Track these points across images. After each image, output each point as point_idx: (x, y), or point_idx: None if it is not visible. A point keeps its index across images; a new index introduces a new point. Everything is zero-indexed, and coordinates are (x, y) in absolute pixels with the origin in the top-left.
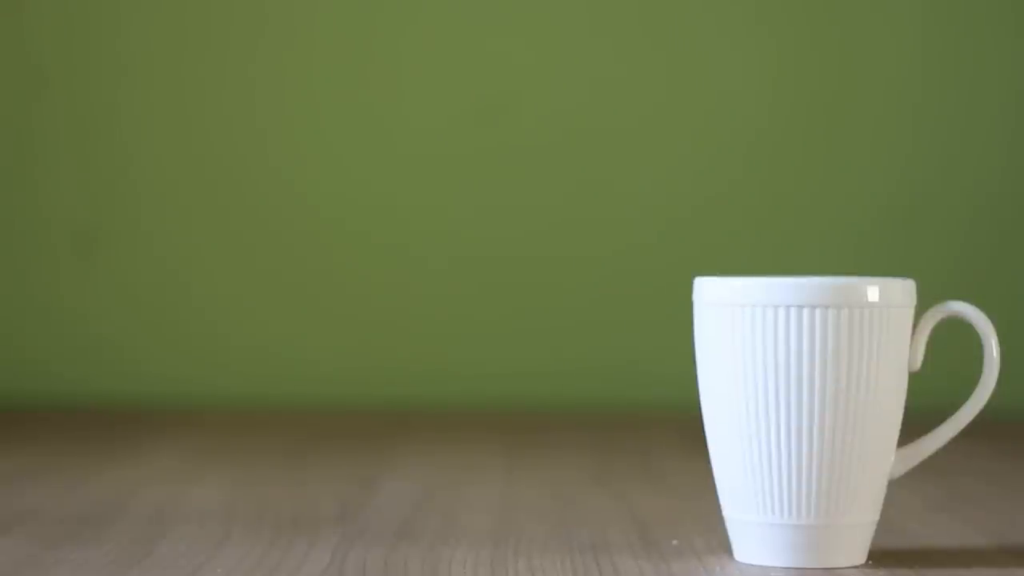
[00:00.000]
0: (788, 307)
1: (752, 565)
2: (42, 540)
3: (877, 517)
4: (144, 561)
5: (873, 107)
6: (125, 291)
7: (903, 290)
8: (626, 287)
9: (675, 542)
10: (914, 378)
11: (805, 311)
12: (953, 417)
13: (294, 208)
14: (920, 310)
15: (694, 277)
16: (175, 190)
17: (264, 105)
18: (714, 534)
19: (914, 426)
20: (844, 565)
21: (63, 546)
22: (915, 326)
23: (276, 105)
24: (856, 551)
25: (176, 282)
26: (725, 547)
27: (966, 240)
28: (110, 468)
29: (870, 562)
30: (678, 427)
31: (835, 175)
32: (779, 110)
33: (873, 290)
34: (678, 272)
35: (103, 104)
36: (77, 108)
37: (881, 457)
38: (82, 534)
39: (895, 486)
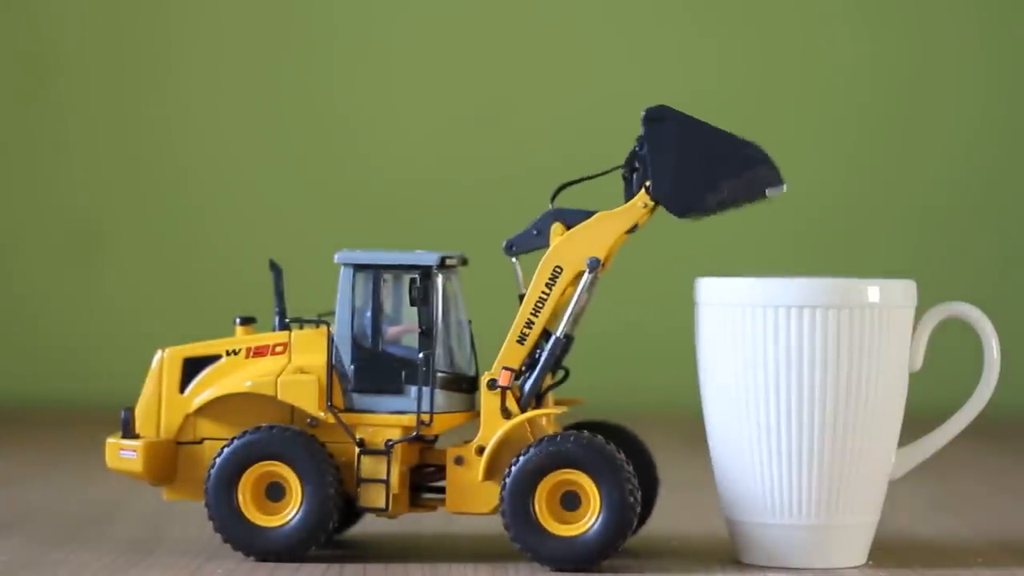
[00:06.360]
0: (788, 307)
1: (752, 565)
2: (42, 540)
3: (877, 517)
4: (144, 561)
5: (872, 107)
6: (125, 291)
7: (903, 290)
8: (626, 287)
9: (675, 542)
10: (914, 378)
11: (805, 311)
12: (953, 417)
13: (294, 208)
14: (920, 310)
15: (694, 277)
16: (175, 189)
17: (264, 105)
18: (714, 534)
19: (914, 426)
20: (844, 565)
21: (63, 546)
22: (915, 326)
23: (276, 105)
24: (856, 551)
25: (176, 282)
26: (725, 547)
27: (966, 240)
28: None
29: (870, 562)
30: (678, 427)
31: (835, 175)
32: (777, 109)
33: (873, 290)
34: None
35: (103, 104)
36: (77, 108)
37: (881, 457)
38: (82, 534)
39: (895, 486)
